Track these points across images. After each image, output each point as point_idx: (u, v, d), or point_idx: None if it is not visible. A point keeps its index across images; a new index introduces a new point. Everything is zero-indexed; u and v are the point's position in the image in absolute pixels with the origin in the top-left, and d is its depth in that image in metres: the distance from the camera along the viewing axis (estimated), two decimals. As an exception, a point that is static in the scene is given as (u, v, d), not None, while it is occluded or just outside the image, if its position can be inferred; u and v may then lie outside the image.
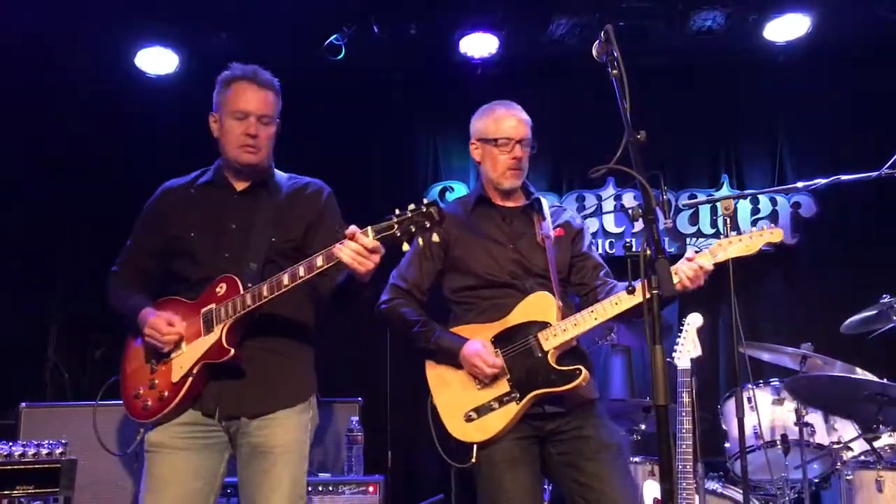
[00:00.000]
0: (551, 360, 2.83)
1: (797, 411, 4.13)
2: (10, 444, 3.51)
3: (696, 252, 2.81)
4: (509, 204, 3.10)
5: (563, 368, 2.81)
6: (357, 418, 4.57)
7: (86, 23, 5.16)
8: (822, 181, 3.47)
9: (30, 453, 3.41)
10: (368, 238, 2.46)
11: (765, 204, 5.97)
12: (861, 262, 5.74)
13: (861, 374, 4.18)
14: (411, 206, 2.45)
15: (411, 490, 5.14)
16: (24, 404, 4.19)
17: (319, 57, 5.57)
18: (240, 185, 2.87)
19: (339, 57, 5.58)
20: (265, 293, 2.59)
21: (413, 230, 2.43)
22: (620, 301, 2.78)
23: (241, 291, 2.65)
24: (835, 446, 4.18)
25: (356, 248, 2.46)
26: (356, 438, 4.48)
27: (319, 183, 2.99)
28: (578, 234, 3.13)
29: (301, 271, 2.56)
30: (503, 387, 2.85)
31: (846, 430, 4.25)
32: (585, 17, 5.51)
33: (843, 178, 3.47)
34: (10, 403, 4.31)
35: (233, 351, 2.62)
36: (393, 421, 5.00)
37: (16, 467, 3.40)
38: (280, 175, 2.96)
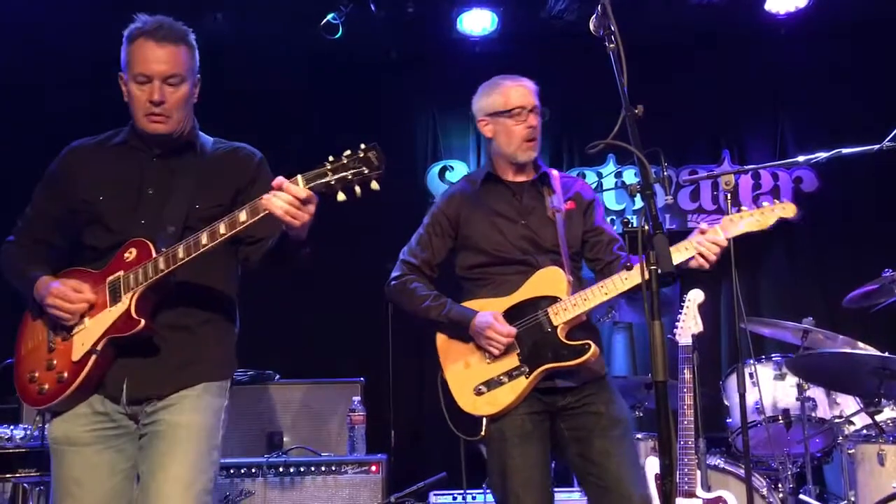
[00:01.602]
0: (561, 334, 2.82)
1: (799, 386, 4.13)
2: (13, 427, 3.52)
3: (704, 226, 2.79)
4: (519, 179, 3.07)
5: (573, 343, 2.81)
6: (359, 398, 4.58)
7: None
8: (824, 155, 3.44)
9: (31, 437, 3.42)
10: (299, 187, 2.20)
11: (766, 179, 5.94)
12: (863, 235, 5.73)
13: (863, 347, 4.18)
14: (347, 152, 2.21)
15: (414, 469, 5.15)
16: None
17: (316, 36, 5.53)
18: (158, 148, 2.53)
19: (337, 36, 5.54)
20: (181, 255, 2.30)
21: (349, 178, 2.19)
22: (630, 277, 2.75)
23: (154, 255, 2.35)
24: (836, 420, 4.19)
25: (288, 199, 2.19)
26: (358, 418, 4.49)
27: (250, 148, 2.68)
28: (590, 206, 3.09)
29: (221, 228, 2.28)
30: (513, 361, 2.85)
31: (848, 404, 4.25)
32: (584, -8, 5.46)
33: (845, 151, 3.44)
34: (12, 388, 4.32)
35: (142, 322, 2.31)
36: (395, 400, 5.01)
37: (18, 451, 3.41)
38: (206, 138, 2.65)
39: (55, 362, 2.39)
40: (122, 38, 2.50)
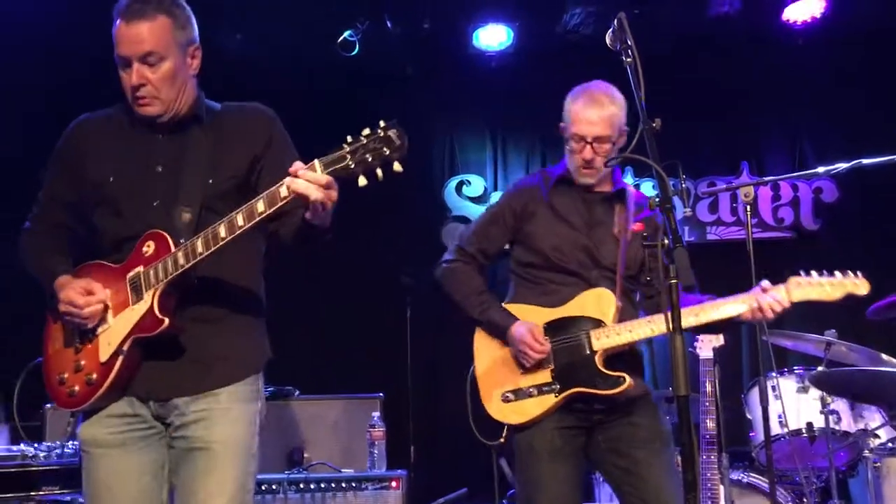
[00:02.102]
0: (598, 360, 2.77)
1: (822, 399, 4.08)
2: (36, 445, 3.54)
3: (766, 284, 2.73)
4: (593, 188, 2.96)
5: (608, 373, 2.75)
6: (378, 414, 4.57)
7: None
8: (844, 166, 3.42)
9: (55, 454, 3.43)
10: (318, 173, 2.05)
11: (786, 190, 5.90)
12: (885, 246, 5.66)
13: (887, 360, 4.13)
14: (366, 132, 2.04)
15: (434, 484, 5.14)
16: (48, 406, 4.22)
17: (334, 53, 5.58)
18: (160, 127, 2.37)
19: (353, 53, 5.58)
20: (200, 249, 2.17)
21: (370, 160, 2.02)
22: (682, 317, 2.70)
23: (173, 249, 2.22)
24: (861, 433, 4.14)
25: (312, 178, 2.04)
26: (378, 434, 4.48)
27: (260, 107, 2.47)
28: (657, 233, 3.05)
29: (240, 220, 2.13)
30: (545, 376, 2.81)
31: (872, 416, 4.20)
32: (599, 6, 5.48)
33: (865, 162, 3.42)
34: (35, 405, 4.35)
35: (167, 321, 2.20)
36: (415, 416, 5.00)
37: (41, 468, 3.43)
38: (212, 105, 2.47)
39: (83, 363, 2.31)
40: None
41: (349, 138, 2.04)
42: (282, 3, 5.28)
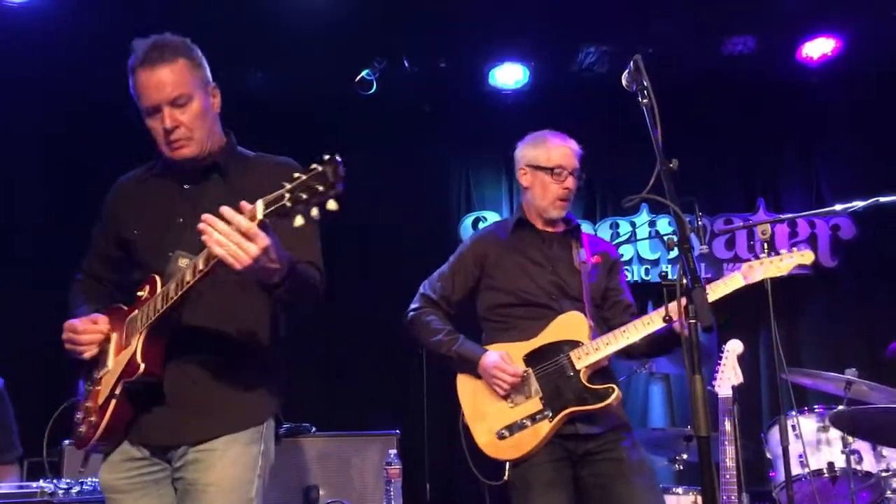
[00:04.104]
0: (583, 378, 2.86)
1: (843, 439, 4.03)
2: (55, 481, 3.54)
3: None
4: (549, 229, 3.16)
5: (596, 387, 2.84)
6: (395, 451, 4.54)
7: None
8: (861, 203, 3.42)
9: (73, 491, 3.43)
10: (240, 217, 1.92)
11: (803, 227, 5.89)
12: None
13: (909, 399, 4.08)
14: (312, 165, 1.89)
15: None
16: (67, 442, 4.23)
17: (351, 92, 5.65)
18: (186, 175, 2.39)
19: (371, 92, 5.65)
20: (172, 293, 2.13)
21: (304, 198, 1.85)
22: (652, 321, 2.82)
23: (158, 292, 2.21)
24: (883, 474, 4.07)
25: (223, 230, 1.91)
26: (394, 472, 4.45)
27: (292, 164, 2.39)
28: (615, 265, 3.19)
29: (200, 263, 2.05)
30: (535, 405, 2.88)
31: (895, 457, 4.13)
32: (614, 45, 5.54)
33: (882, 199, 3.42)
34: (53, 441, 4.36)
35: (142, 366, 2.16)
36: (430, 453, 4.98)
37: (59, 505, 3.42)
38: (244, 154, 2.47)
39: (89, 405, 2.34)
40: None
41: (295, 174, 1.88)
42: (301, 41, 5.36)
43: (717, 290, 2.79)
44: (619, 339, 2.85)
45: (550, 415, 2.84)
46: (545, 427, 2.83)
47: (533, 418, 2.86)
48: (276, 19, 5.12)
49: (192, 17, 4.64)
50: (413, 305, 3.20)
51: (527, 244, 3.12)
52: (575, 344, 2.90)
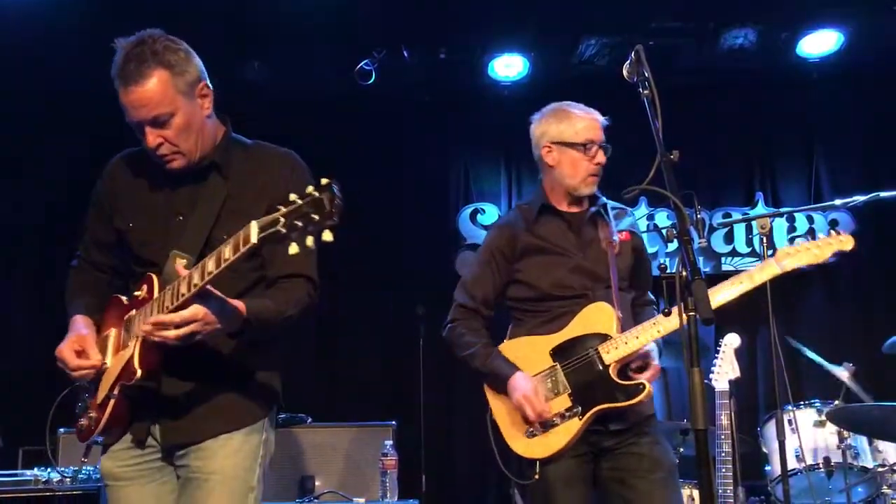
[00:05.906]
0: (613, 374, 2.75)
1: (839, 433, 4.04)
2: (49, 470, 3.54)
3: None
4: (575, 209, 2.99)
5: (626, 383, 2.74)
6: (391, 442, 4.55)
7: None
8: (861, 198, 3.41)
9: (67, 480, 3.43)
10: (162, 316, 2.06)
11: (801, 222, 5.88)
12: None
13: (905, 394, 4.09)
14: (309, 188, 1.86)
15: (446, 514, 5.10)
16: (61, 430, 4.22)
17: (350, 82, 5.62)
18: (183, 177, 2.35)
19: (370, 82, 5.63)
20: (168, 303, 2.12)
21: (300, 225, 1.83)
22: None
23: (156, 295, 2.19)
24: (879, 469, 4.08)
25: (146, 329, 2.07)
26: (390, 463, 4.45)
27: (289, 158, 2.39)
28: (642, 242, 3.08)
29: (195, 277, 2.06)
30: (564, 401, 2.78)
31: (891, 451, 4.14)
32: (614, 38, 5.51)
33: (882, 194, 3.41)
34: (50, 429, 4.36)
35: (139, 373, 2.15)
36: (427, 444, 4.98)
37: (54, 493, 3.42)
38: (243, 141, 2.43)
39: (90, 400, 2.36)
40: None
41: (291, 196, 1.85)
42: (300, 32, 5.33)
43: (753, 278, 2.65)
44: (650, 331, 2.72)
45: (580, 411, 2.75)
46: (576, 425, 2.75)
47: (562, 416, 2.77)
48: (276, 9, 5.09)
49: (190, 7, 4.60)
50: (449, 318, 3.05)
51: (553, 232, 2.95)
52: (604, 337, 2.78)
